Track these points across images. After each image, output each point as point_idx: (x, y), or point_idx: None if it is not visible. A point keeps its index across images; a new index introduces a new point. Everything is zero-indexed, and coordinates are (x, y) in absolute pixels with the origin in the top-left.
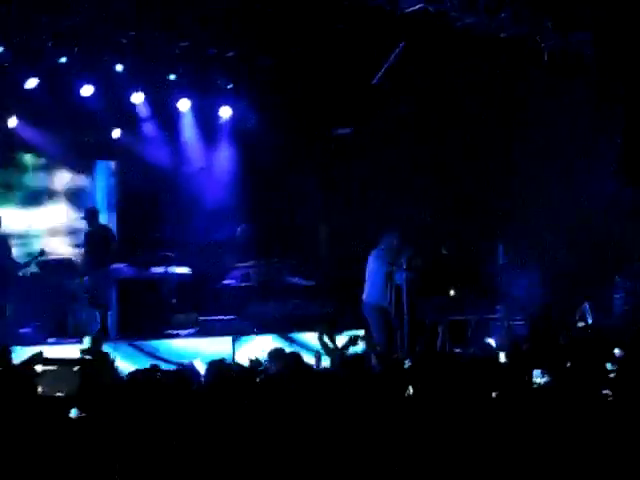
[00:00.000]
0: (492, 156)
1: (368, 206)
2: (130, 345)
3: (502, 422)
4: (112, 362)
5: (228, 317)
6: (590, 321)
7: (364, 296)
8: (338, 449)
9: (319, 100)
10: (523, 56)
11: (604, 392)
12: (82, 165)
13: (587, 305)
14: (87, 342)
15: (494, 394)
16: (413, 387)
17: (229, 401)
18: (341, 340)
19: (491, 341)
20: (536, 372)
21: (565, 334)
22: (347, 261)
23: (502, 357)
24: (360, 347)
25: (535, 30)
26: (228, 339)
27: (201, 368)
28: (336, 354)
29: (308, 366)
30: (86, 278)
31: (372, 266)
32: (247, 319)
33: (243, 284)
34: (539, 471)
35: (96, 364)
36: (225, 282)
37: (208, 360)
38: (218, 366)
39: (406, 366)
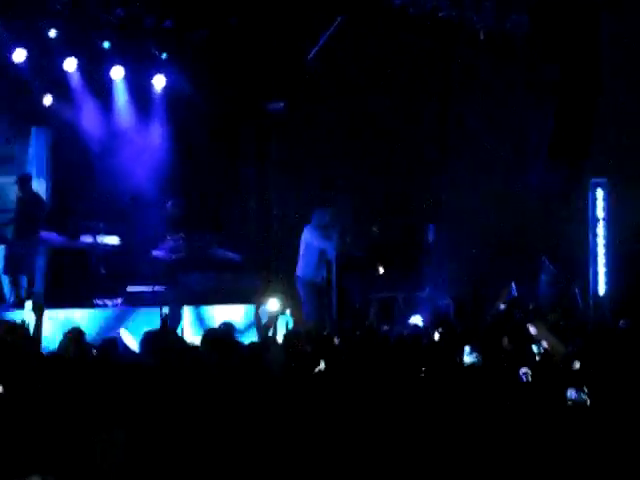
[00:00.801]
0: (426, 136)
1: (301, 182)
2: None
3: (429, 400)
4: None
5: (157, 288)
6: (514, 294)
7: (297, 271)
8: (273, 429)
9: (253, 73)
10: (459, 36)
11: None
12: (16, 132)
13: (513, 285)
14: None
15: (422, 373)
16: (342, 364)
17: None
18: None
19: (418, 318)
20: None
21: (491, 313)
22: (278, 237)
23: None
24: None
25: (472, 11)
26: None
27: (129, 340)
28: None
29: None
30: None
31: (305, 242)
32: (176, 290)
33: (173, 256)
34: (466, 448)
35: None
36: (155, 253)
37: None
38: (157, 337)
39: (336, 343)
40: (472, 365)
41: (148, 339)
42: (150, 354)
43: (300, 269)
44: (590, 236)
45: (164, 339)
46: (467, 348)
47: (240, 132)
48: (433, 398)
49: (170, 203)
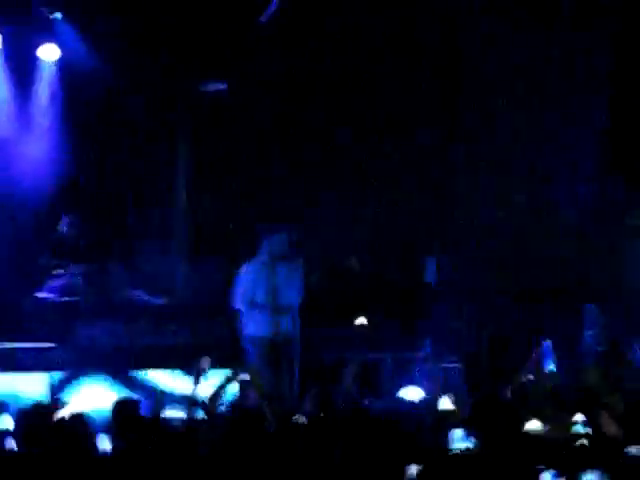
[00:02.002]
0: (425, 134)
1: (247, 191)
2: None
3: None
4: None
5: (43, 345)
6: (551, 366)
7: (242, 325)
8: None
9: (185, 43)
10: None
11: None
12: None
13: (547, 344)
14: None
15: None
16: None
17: None
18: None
19: (413, 391)
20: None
21: (511, 386)
22: (215, 270)
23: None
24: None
25: None
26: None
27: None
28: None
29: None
30: None
31: (251, 282)
32: (71, 348)
33: (65, 298)
34: None
35: None
36: (40, 295)
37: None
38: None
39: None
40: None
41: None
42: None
43: (246, 322)
44: None
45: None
46: (459, 431)
47: (166, 124)
48: None
49: (63, 223)
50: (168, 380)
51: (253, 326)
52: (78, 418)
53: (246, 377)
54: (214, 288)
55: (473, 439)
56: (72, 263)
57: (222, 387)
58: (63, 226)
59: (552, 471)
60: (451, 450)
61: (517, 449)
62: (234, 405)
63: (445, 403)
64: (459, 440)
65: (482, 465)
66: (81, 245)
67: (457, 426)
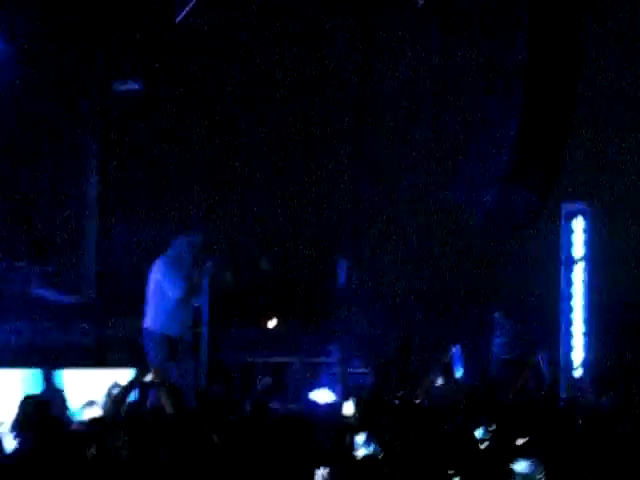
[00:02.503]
0: (336, 133)
1: (158, 194)
2: None
3: None
4: None
5: None
6: (459, 373)
7: (146, 322)
8: None
9: (97, 41)
10: None
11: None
12: None
13: (456, 349)
14: None
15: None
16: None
17: None
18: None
19: (322, 394)
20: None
21: (420, 390)
22: (126, 270)
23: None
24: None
25: None
26: None
27: None
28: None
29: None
30: None
31: (157, 281)
32: None
33: None
34: None
35: None
36: None
37: None
38: None
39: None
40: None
41: None
42: None
43: (151, 319)
44: (563, 283)
45: None
46: (361, 437)
47: (76, 124)
48: None
49: None
50: (76, 380)
51: (159, 322)
52: None
53: (150, 377)
54: (122, 286)
55: (374, 445)
56: None
57: (127, 389)
58: None
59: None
60: (355, 455)
61: (426, 453)
62: (137, 406)
63: (348, 408)
64: (361, 445)
65: (385, 470)
66: None
67: (359, 431)
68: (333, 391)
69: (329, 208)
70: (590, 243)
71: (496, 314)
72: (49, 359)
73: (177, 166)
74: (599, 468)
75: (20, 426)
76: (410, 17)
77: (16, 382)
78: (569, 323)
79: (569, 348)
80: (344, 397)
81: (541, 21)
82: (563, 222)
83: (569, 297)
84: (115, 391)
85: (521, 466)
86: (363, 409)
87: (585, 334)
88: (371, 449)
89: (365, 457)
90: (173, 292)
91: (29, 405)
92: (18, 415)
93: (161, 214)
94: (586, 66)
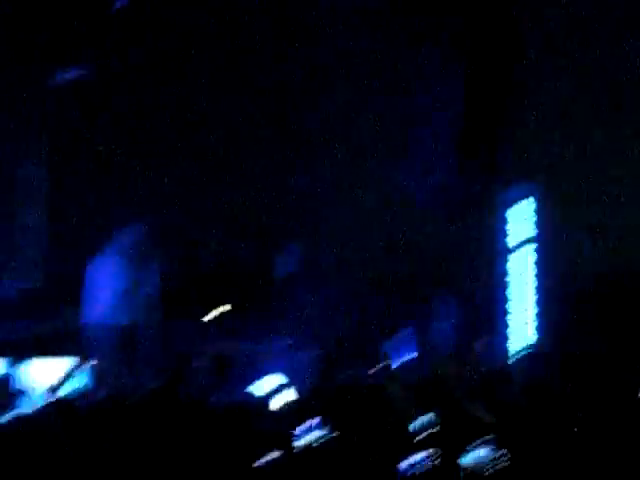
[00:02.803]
0: (276, 113)
1: (104, 185)
2: None
3: None
4: None
5: None
6: (409, 355)
7: (91, 313)
8: None
9: (37, 24)
10: None
11: None
12: None
13: (407, 332)
14: None
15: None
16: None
17: None
18: None
19: (270, 382)
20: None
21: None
22: (76, 257)
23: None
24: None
25: None
26: None
27: None
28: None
29: None
30: None
31: (104, 271)
32: None
33: None
34: None
35: None
36: None
37: None
38: None
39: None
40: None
41: None
42: None
43: (93, 310)
44: (507, 265)
45: None
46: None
47: (16, 113)
48: None
49: None
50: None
51: (104, 312)
52: None
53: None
54: (72, 275)
55: (326, 429)
56: None
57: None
58: None
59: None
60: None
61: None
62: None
63: (291, 394)
64: (313, 430)
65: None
66: None
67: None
68: (283, 377)
69: (275, 190)
70: (538, 226)
71: (443, 297)
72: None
73: (122, 153)
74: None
75: None
76: None
77: None
78: (512, 307)
79: (510, 334)
80: (293, 382)
81: None
82: (508, 205)
83: (513, 281)
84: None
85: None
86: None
87: (534, 318)
88: (324, 432)
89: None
90: (116, 285)
91: None
92: None
93: (109, 203)
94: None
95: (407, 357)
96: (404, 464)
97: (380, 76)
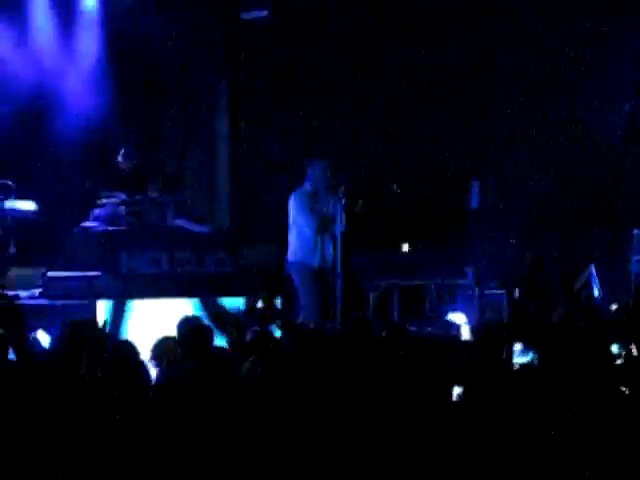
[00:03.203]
0: (460, 59)
1: (289, 124)
2: None
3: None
4: None
5: (90, 273)
6: (596, 292)
7: (288, 254)
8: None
9: None
10: None
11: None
12: None
13: (592, 269)
14: None
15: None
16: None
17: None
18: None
19: (457, 316)
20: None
21: (559, 311)
22: (259, 200)
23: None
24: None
25: None
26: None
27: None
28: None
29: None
30: None
31: (296, 213)
32: (118, 277)
33: (111, 228)
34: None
35: None
36: (86, 224)
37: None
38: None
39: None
40: (527, 366)
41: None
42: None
43: (292, 250)
44: None
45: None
46: (519, 345)
47: (208, 53)
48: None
49: (121, 153)
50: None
51: (298, 253)
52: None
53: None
54: (256, 214)
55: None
56: (118, 192)
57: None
58: (122, 156)
59: None
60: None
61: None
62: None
63: (465, 332)
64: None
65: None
66: (136, 177)
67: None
68: (466, 314)
69: (464, 129)
70: None
71: (635, 231)
72: (188, 288)
73: (307, 95)
74: None
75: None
76: None
77: (156, 312)
78: None
79: None
80: (480, 318)
81: None
82: None
83: None
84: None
85: None
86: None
87: None
88: (528, 358)
89: (522, 365)
90: (307, 228)
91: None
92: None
93: (293, 142)
94: None
95: (599, 290)
96: None
97: None
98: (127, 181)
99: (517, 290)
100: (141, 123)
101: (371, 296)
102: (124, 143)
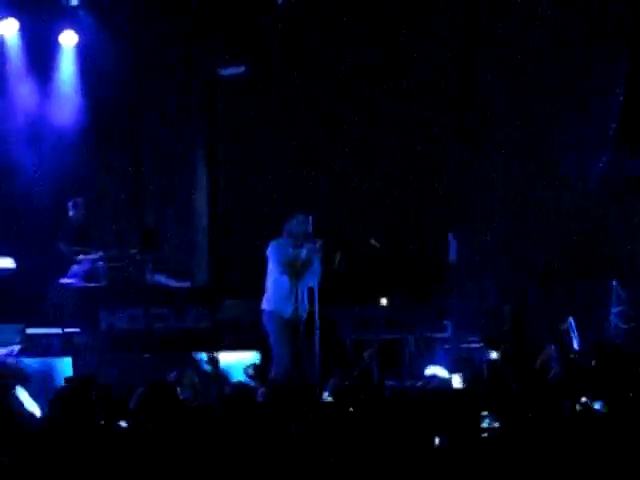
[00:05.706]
0: (441, 112)
1: (267, 177)
2: None
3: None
4: None
5: (69, 330)
6: (575, 344)
7: (264, 303)
8: None
9: (202, 26)
10: None
11: None
12: None
13: (571, 321)
14: None
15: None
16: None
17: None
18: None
19: (437, 370)
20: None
21: (537, 364)
22: (238, 254)
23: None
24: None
25: None
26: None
27: (28, 402)
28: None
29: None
30: None
31: (272, 260)
32: (95, 333)
33: (89, 284)
34: None
35: None
36: (63, 281)
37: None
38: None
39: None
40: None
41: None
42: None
43: (268, 300)
44: None
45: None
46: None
47: (182, 106)
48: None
49: (70, 206)
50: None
51: (271, 302)
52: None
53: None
54: (233, 270)
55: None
56: (93, 249)
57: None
58: (71, 207)
59: None
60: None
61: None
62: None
63: (456, 381)
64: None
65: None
66: (90, 229)
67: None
68: (447, 367)
69: (438, 184)
70: None
71: (614, 283)
72: (166, 344)
73: (285, 149)
74: None
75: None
76: None
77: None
78: None
79: None
80: (456, 372)
81: None
82: None
83: None
84: None
85: None
86: (487, 383)
87: None
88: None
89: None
90: (283, 278)
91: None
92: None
93: (271, 197)
94: None
95: (575, 343)
96: None
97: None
98: (81, 234)
99: (496, 352)
100: (122, 180)
101: (349, 349)
102: (73, 196)
